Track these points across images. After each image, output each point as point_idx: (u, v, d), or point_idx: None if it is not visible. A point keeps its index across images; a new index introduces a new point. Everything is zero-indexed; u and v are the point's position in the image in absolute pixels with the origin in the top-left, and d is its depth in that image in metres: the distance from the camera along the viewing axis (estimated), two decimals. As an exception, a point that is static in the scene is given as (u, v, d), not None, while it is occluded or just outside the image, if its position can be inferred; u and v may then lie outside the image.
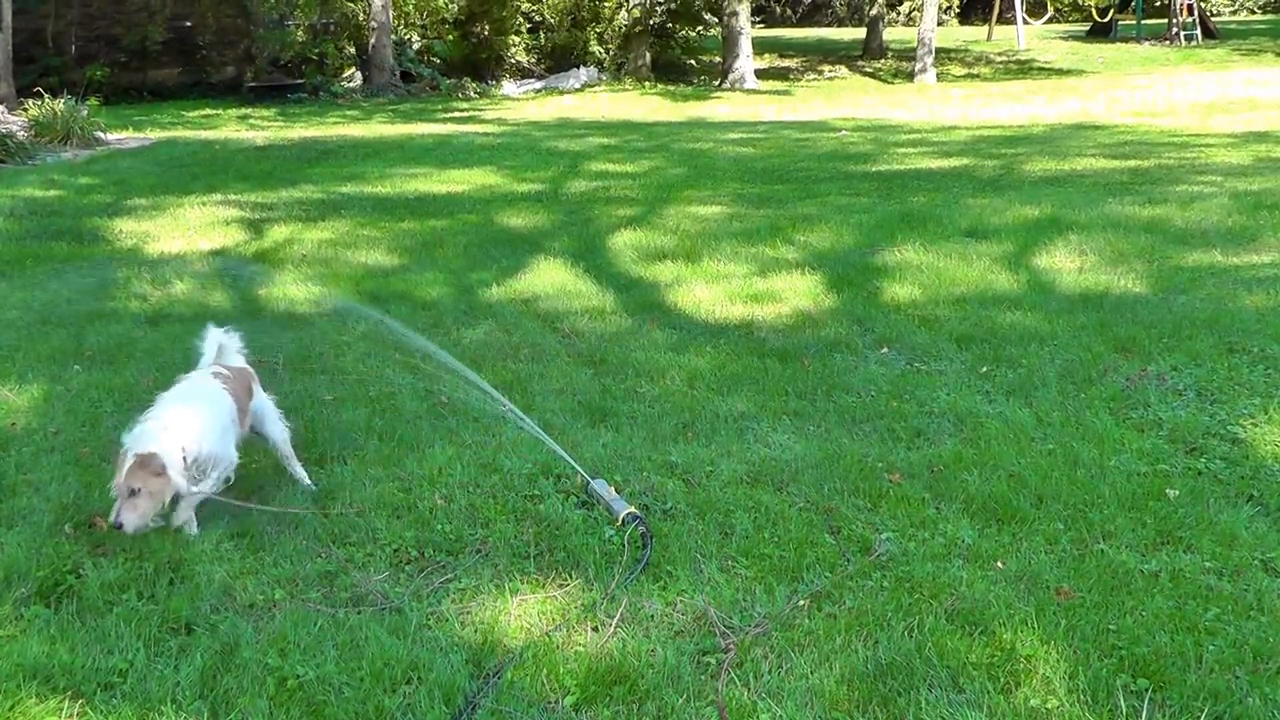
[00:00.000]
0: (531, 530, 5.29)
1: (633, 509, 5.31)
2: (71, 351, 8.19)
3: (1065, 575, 4.76)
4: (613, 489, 5.54)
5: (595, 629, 4.46)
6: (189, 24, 37.43)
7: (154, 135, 24.26)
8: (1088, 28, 60.17)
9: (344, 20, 37.81)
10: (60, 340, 8.47)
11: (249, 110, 32.15)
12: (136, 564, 4.98)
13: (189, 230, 12.92)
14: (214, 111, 31.46)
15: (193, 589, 4.79)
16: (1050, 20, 65.61)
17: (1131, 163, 16.52)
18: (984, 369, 7.51)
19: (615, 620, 4.48)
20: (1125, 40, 54.27)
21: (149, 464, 4.89)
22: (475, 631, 4.45)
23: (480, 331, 8.66)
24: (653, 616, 4.53)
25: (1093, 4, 57.81)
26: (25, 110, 22.42)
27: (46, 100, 21.90)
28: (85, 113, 22.11)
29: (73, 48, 35.88)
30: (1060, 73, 43.19)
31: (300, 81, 36.98)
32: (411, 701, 4.00)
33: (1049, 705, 3.92)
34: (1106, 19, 58.02)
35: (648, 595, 4.68)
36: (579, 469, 5.66)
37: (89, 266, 11.11)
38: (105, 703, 4.02)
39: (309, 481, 5.83)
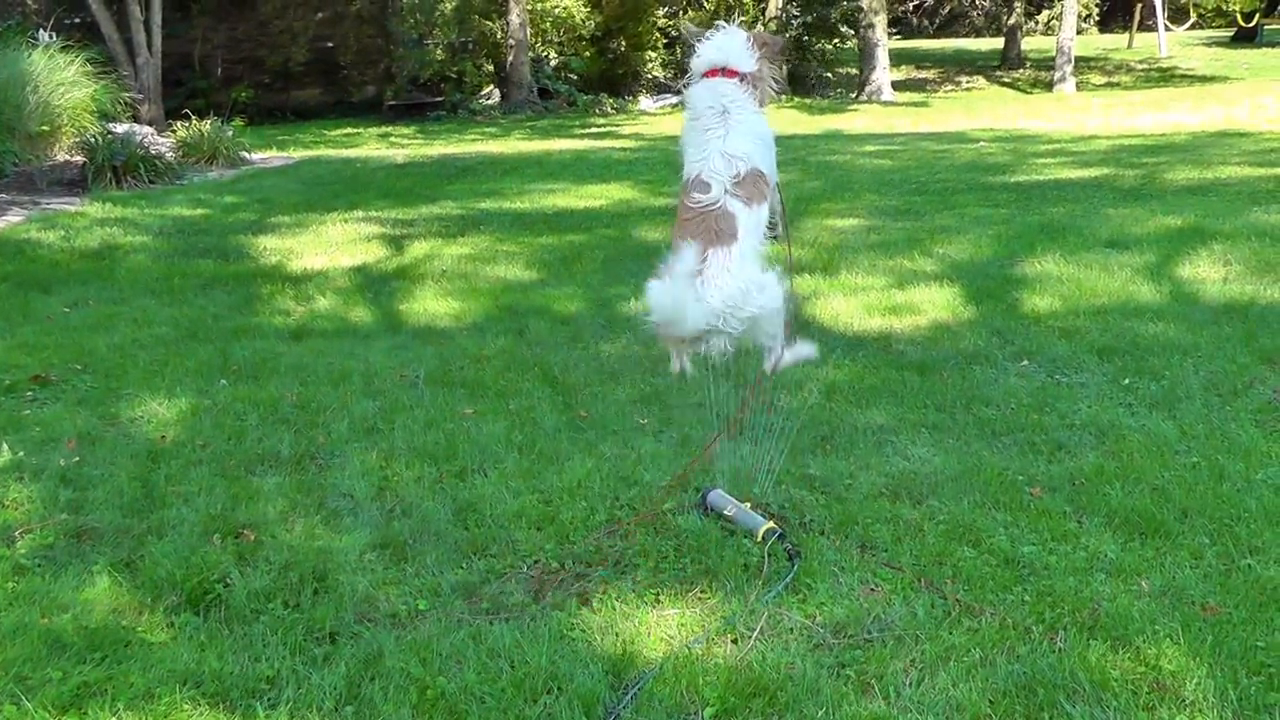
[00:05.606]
0: (671, 543, 5.31)
1: (771, 524, 5.31)
2: (217, 366, 8.37)
3: (1211, 591, 4.69)
4: (747, 505, 5.55)
5: (735, 641, 4.47)
6: (331, 45, 38.05)
7: (297, 154, 24.71)
8: (1232, 34, 58.90)
9: (482, 39, 38.18)
10: (206, 355, 8.66)
11: (389, 128, 32.65)
12: (282, 574, 5.09)
13: (331, 247, 13.14)
14: (355, 130, 31.99)
15: (337, 599, 4.88)
16: (1193, 26, 64.38)
17: (1277, 170, 16.14)
18: (1126, 381, 7.42)
19: (755, 633, 4.50)
20: (1271, 46, 53.14)
21: None
22: (615, 643, 4.48)
23: (618, 345, 8.71)
24: (792, 629, 4.54)
25: (1237, 9, 56.48)
26: (173, 132, 22.95)
27: (194, 122, 22.40)
28: (230, 133, 22.59)
29: (219, 70, 36.70)
30: (1203, 80, 42.34)
31: (439, 99, 37.43)
32: (552, 712, 4.05)
33: (1195, 722, 3.88)
34: (1252, 24, 56.71)
35: (787, 608, 4.69)
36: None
37: (234, 283, 11.34)
38: (253, 709, 4.11)
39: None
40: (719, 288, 4.70)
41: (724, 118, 5.02)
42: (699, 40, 5.32)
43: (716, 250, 4.73)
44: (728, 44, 5.18)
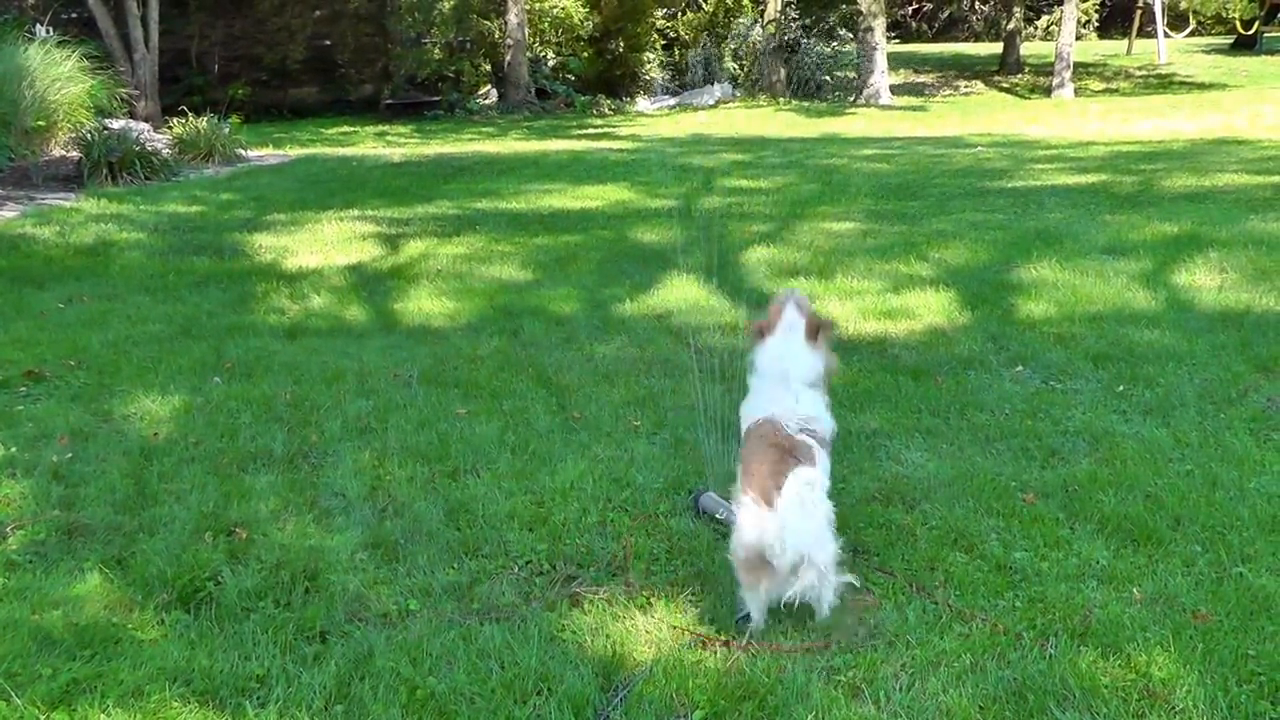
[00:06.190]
0: (663, 545, 5.32)
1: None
2: (211, 364, 8.37)
3: (1203, 598, 4.69)
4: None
5: (726, 644, 4.47)
6: (328, 43, 38.00)
7: (293, 152, 24.71)
8: (1231, 41, 58.95)
9: (480, 38, 38.16)
10: (200, 353, 8.65)
11: (386, 127, 32.61)
12: (273, 573, 5.09)
13: (326, 245, 13.13)
14: (351, 129, 31.95)
15: (328, 598, 4.89)
16: (1192, 33, 64.47)
17: (1275, 178, 16.17)
18: (1120, 388, 7.42)
19: (746, 636, 4.49)
20: (1271, 53, 53.14)
21: None
22: (605, 645, 4.48)
23: (613, 347, 8.70)
24: (783, 633, 4.53)
25: (1237, 16, 56.55)
26: (170, 128, 22.94)
27: (190, 118, 22.45)
28: (227, 130, 22.63)
29: (215, 67, 36.62)
30: (1202, 87, 42.35)
31: (436, 99, 37.41)
32: (541, 713, 4.05)
33: (1185, 730, 3.88)
34: (1251, 32, 56.79)
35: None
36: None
37: (229, 280, 11.33)
38: (243, 708, 4.11)
39: None
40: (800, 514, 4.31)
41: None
42: (767, 333, 5.26)
43: (803, 468, 4.43)
44: (791, 355, 5.10)
